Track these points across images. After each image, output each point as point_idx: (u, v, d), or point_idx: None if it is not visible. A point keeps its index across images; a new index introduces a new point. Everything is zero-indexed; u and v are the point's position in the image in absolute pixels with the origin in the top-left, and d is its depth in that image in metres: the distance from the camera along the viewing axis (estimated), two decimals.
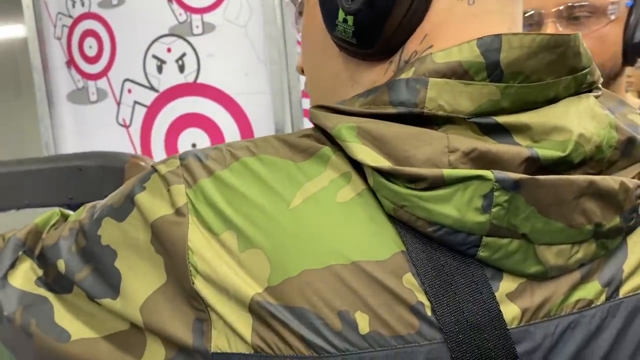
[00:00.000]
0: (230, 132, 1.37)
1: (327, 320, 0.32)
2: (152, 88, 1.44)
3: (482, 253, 0.32)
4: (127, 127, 1.43)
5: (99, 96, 1.50)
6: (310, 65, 0.47)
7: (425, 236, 0.33)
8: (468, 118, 0.34)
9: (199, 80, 1.39)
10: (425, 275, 0.33)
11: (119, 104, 1.48)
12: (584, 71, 0.36)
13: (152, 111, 1.44)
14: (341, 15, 0.37)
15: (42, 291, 0.41)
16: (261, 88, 1.39)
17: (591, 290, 0.35)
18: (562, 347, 0.33)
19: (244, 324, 0.33)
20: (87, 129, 1.55)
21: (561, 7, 0.82)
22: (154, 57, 1.40)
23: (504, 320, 0.32)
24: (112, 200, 0.40)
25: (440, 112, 0.33)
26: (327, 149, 0.36)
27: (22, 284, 0.43)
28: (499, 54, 0.34)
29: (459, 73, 0.34)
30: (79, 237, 0.41)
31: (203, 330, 0.34)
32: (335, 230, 0.34)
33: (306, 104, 1.50)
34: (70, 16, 1.48)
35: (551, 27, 0.83)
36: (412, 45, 0.38)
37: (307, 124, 1.38)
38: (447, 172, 0.31)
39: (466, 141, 0.33)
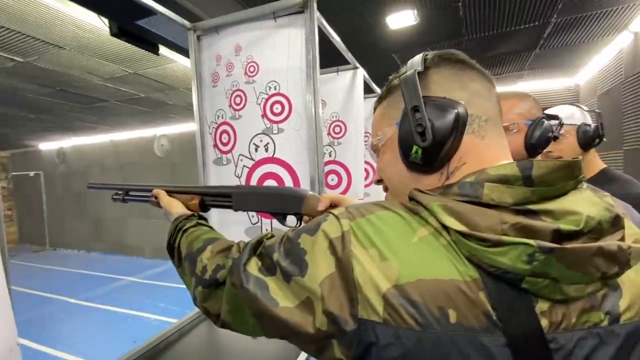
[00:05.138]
0: (288, 182, 1.73)
1: (431, 310, 0.36)
2: (251, 159, 1.86)
3: (524, 285, 0.37)
4: (239, 178, 1.87)
5: (227, 162, 1.94)
6: (389, 175, 0.56)
7: (487, 272, 0.38)
8: (510, 206, 0.39)
9: (275, 156, 1.79)
10: (492, 293, 0.37)
11: (236, 166, 1.91)
12: (580, 177, 0.42)
13: (251, 171, 1.87)
14: (414, 149, 0.47)
15: (261, 276, 0.49)
16: (304, 160, 1.75)
17: (596, 316, 0.38)
18: (578, 351, 0.37)
19: (379, 304, 0.37)
20: (221, 178, 1.94)
21: None
22: (254, 143, 1.84)
23: (542, 326, 0.36)
24: (307, 228, 0.48)
25: (491, 202, 0.40)
26: (426, 213, 0.42)
27: (255, 271, 0.50)
28: (531, 171, 0.40)
29: (504, 180, 0.40)
30: (285, 242, 0.50)
31: (354, 304, 0.39)
32: (438, 260, 0.40)
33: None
34: (215, 122, 1.94)
35: None
36: (453, 163, 0.48)
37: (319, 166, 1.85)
38: (505, 238, 0.36)
39: (512, 217, 0.38)
